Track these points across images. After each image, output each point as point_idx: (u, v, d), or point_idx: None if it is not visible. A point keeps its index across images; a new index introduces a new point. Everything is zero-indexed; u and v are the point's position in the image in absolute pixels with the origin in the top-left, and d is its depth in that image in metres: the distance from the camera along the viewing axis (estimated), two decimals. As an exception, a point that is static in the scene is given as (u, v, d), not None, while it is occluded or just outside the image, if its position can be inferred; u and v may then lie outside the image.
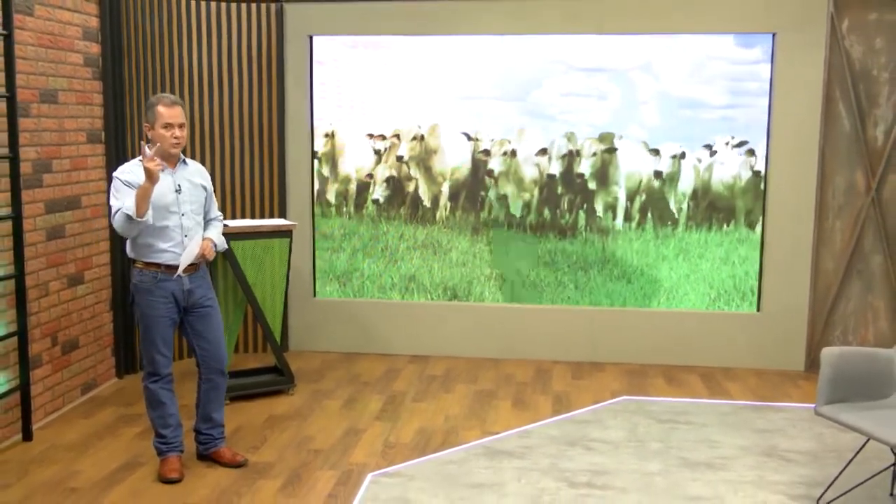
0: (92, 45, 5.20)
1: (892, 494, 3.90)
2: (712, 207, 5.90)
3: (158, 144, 3.86)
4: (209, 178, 4.20)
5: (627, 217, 5.96)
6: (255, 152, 6.06)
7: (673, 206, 5.91)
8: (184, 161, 4.05)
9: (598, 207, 5.96)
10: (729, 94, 5.79)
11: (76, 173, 5.05)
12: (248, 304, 5.19)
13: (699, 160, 5.86)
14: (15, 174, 4.34)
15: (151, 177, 3.70)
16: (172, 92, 5.73)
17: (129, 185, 3.85)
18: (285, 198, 6.15)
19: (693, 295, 5.97)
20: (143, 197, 3.74)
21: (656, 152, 5.86)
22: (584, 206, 5.98)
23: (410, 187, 6.13)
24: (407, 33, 5.97)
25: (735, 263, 5.92)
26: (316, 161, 6.17)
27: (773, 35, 5.68)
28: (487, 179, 6.04)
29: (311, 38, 6.05)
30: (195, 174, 4.09)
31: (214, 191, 5.75)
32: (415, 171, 6.10)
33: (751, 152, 5.78)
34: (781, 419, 4.92)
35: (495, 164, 6.00)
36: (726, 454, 4.39)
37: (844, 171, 5.69)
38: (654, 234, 5.96)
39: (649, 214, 5.94)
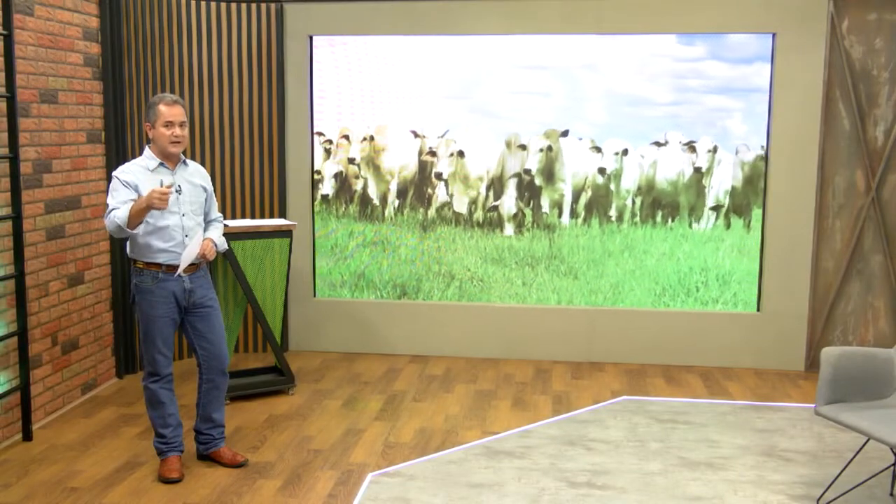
0: (92, 45, 5.20)
1: (892, 494, 3.90)
2: (656, 204, 5.93)
3: (175, 185, 3.90)
4: (209, 179, 4.21)
5: (573, 213, 5.99)
6: (255, 152, 6.06)
7: (617, 203, 5.95)
8: (184, 162, 4.05)
9: (545, 204, 5.99)
10: (672, 91, 5.82)
11: (76, 173, 5.05)
12: (248, 304, 5.19)
13: (643, 156, 5.89)
14: (15, 174, 4.34)
15: (156, 205, 3.71)
16: (172, 92, 5.73)
17: (127, 184, 3.85)
18: (285, 198, 6.15)
19: (639, 290, 6.00)
20: (138, 214, 3.75)
21: (599, 150, 5.90)
22: (531, 202, 6.00)
23: (358, 185, 6.15)
24: (407, 33, 5.98)
25: (680, 259, 5.95)
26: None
27: (773, 35, 5.68)
28: (434, 178, 6.08)
29: (311, 38, 6.05)
30: (195, 175, 4.09)
31: (214, 190, 5.79)
32: (363, 170, 6.13)
33: (692, 149, 5.81)
34: (781, 419, 4.92)
35: (442, 162, 6.03)
36: (726, 454, 4.39)
37: (844, 171, 5.69)
38: (599, 230, 5.99)
39: (594, 211, 5.98)
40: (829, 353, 3.71)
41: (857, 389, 3.73)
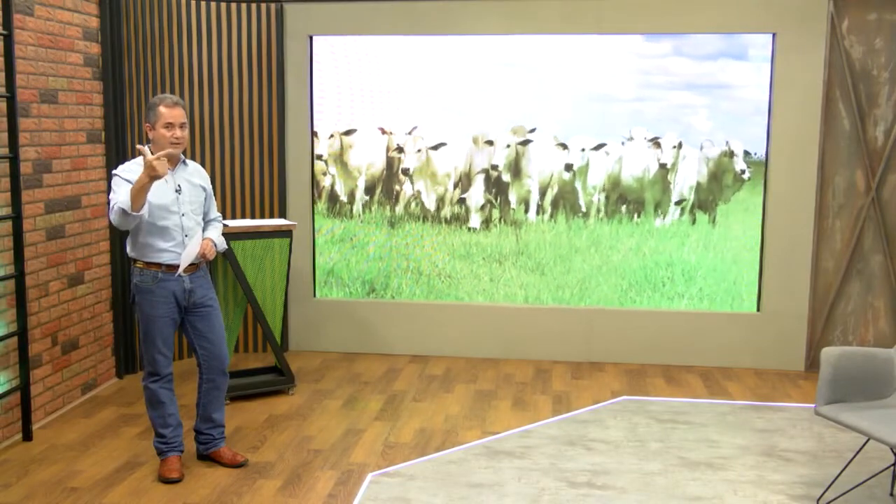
0: (92, 45, 5.20)
1: (892, 494, 3.90)
2: (622, 200, 5.96)
3: (168, 150, 3.82)
4: (208, 179, 4.20)
5: (540, 209, 6.03)
6: (255, 152, 6.06)
7: (584, 199, 5.98)
8: (184, 162, 4.05)
9: (512, 199, 6.02)
10: (638, 87, 5.86)
11: (76, 173, 5.05)
12: (248, 304, 5.19)
13: (608, 154, 5.93)
14: (15, 174, 4.34)
15: (156, 172, 3.66)
16: (172, 92, 5.73)
17: (129, 182, 3.84)
18: (285, 198, 6.15)
19: (605, 286, 6.03)
20: (140, 191, 3.69)
21: (566, 146, 5.94)
22: (498, 198, 6.03)
23: (326, 182, 6.18)
24: (407, 33, 5.98)
25: (646, 255, 5.97)
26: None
27: (773, 35, 5.68)
28: (402, 174, 6.12)
29: (311, 38, 6.05)
30: (195, 175, 4.09)
31: (214, 190, 5.80)
32: (332, 167, 6.17)
33: (657, 145, 5.83)
34: (781, 419, 4.92)
35: (410, 159, 6.07)
36: (726, 454, 4.39)
37: (844, 171, 5.69)
38: (566, 226, 6.02)
39: (561, 206, 6.02)
40: (829, 353, 3.71)
41: (857, 389, 3.72)
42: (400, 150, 6.04)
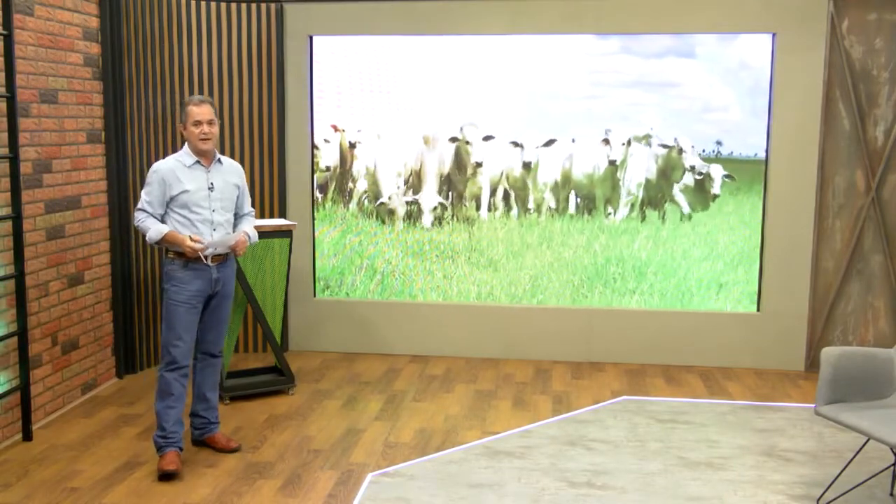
0: (92, 45, 5.20)
1: (892, 494, 3.90)
2: (573, 196, 6.00)
3: (214, 249, 4.09)
4: (244, 175, 4.38)
5: (491, 206, 6.06)
6: (255, 152, 6.06)
7: (535, 196, 6.01)
8: (219, 160, 4.21)
9: (465, 196, 6.06)
10: (588, 85, 5.89)
11: (76, 173, 5.05)
12: (248, 304, 5.19)
13: (557, 149, 5.95)
14: (15, 174, 4.34)
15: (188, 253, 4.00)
16: (173, 92, 5.74)
17: (161, 182, 4.05)
18: (285, 198, 6.15)
19: (557, 282, 6.05)
20: (172, 244, 4.03)
21: (518, 144, 5.97)
22: (451, 195, 6.07)
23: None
24: (407, 33, 5.98)
25: (596, 252, 6.00)
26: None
27: (773, 35, 5.68)
28: (356, 170, 6.16)
29: (311, 38, 6.05)
30: (229, 172, 4.25)
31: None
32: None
33: (607, 142, 5.86)
34: (781, 419, 4.92)
35: (364, 155, 6.11)
36: (726, 454, 4.39)
37: (844, 171, 5.69)
38: (517, 222, 6.06)
39: (513, 203, 6.04)
40: (829, 353, 3.72)
41: (857, 389, 3.73)
42: (353, 146, 6.09)
